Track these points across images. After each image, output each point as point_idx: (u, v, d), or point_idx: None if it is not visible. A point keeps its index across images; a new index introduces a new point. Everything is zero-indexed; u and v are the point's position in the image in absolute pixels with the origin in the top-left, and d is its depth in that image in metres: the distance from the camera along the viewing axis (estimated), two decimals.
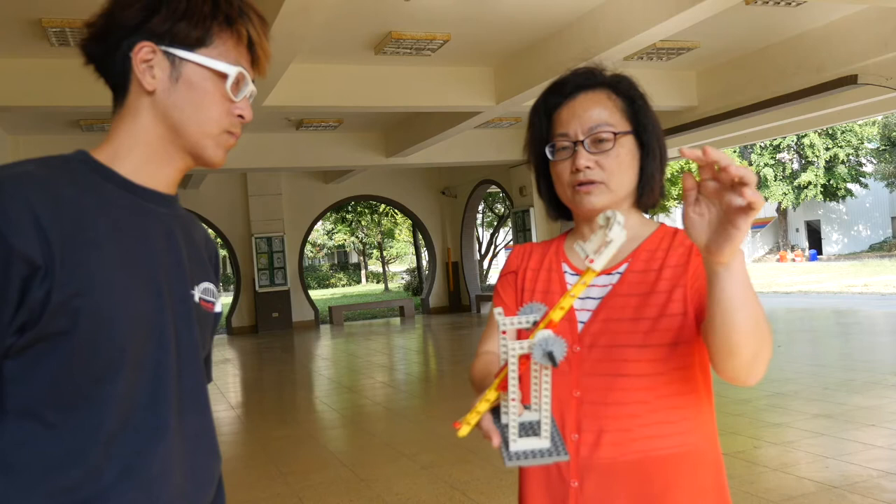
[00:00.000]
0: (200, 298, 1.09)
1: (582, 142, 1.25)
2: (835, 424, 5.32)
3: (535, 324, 0.92)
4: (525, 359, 0.92)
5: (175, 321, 1.02)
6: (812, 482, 4.13)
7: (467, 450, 5.03)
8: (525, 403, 0.97)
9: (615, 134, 1.24)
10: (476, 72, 8.11)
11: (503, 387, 0.94)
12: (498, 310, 0.93)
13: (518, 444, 0.94)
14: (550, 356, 0.88)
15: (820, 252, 34.23)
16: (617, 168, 1.24)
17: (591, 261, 0.89)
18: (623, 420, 1.19)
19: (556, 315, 0.92)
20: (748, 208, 0.91)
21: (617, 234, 0.89)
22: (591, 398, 1.21)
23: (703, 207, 0.97)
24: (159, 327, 0.99)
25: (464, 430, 0.94)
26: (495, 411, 0.99)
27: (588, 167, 1.24)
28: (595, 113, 1.25)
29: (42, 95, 6.88)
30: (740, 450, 4.79)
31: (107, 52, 1.03)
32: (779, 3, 6.43)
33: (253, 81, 1.09)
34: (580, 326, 1.25)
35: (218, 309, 1.14)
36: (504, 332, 0.94)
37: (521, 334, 1.00)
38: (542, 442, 0.94)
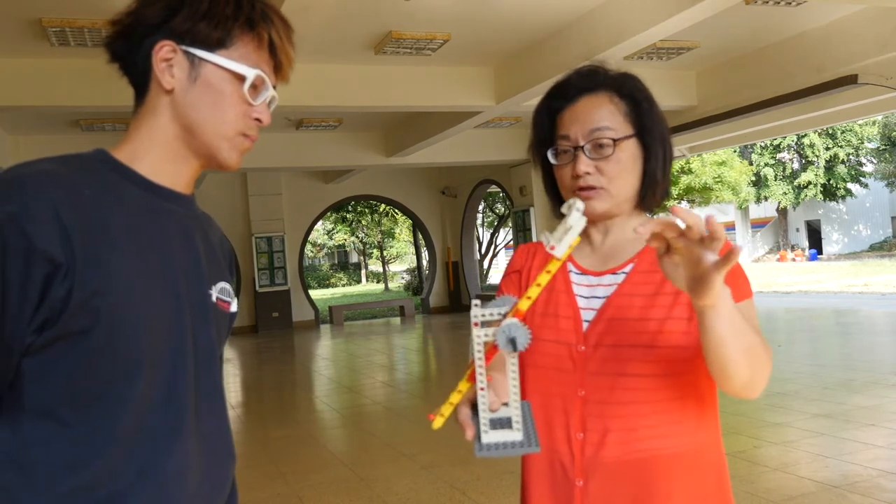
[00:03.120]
0: (217, 298, 1.09)
1: (582, 147, 1.24)
2: (835, 424, 5.32)
3: (505, 315, 0.93)
4: (493, 348, 0.93)
5: (192, 321, 1.02)
6: (812, 482, 4.13)
7: (468, 450, 5.02)
8: (505, 401, 0.98)
9: (615, 140, 1.23)
10: (476, 71, 8.11)
11: (472, 378, 0.94)
12: (474, 301, 0.93)
13: (489, 435, 0.94)
14: (513, 342, 0.89)
15: (820, 252, 34.22)
16: (618, 173, 1.23)
17: (553, 247, 0.90)
18: (628, 419, 1.19)
19: (524, 305, 0.93)
20: (720, 263, 0.90)
21: (576, 221, 0.91)
22: (595, 397, 1.21)
23: (676, 258, 0.96)
24: (177, 327, 0.99)
25: (437, 423, 0.94)
26: (474, 406, 0.99)
27: (588, 173, 1.23)
28: (596, 117, 1.24)
29: (42, 95, 6.87)
30: (741, 449, 4.79)
31: (129, 50, 1.03)
32: (779, 2, 6.42)
33: (275, 87, 1.08)
34: (585, 326, 1.25)
35: (233, 309, 1.15)
36: (476, 324, 0.94)
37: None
38: (514, 434, 0.95)
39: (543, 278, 0.93)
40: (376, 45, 7.06)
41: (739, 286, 1.18)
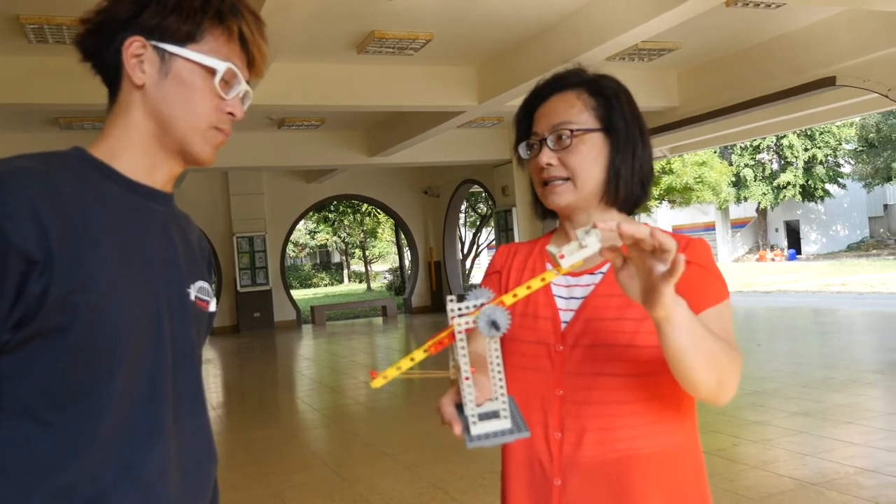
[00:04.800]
0: (196, 297, 1.09)
1: (545, 139, 1.28)
2: (813, 422, 5.38)
3: (482, 305, 0.94)
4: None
5: (171, 320, 1.02)
6: (790, 479, 4.17)
7: (450, 449, 5.04)
8: (488, 398, 0.98)
9: (573, 131, 1.26)
10: (459, 71, 8.11)
11: (433, 349, 0.94)
12: (450, 297, 0.94)
13: (478, 426, 0.95)
14: (494, 325, 0.91)
15: (799, 252, 34.56)
16: (578, 165, 1.26)
17: (562, 256, 0.92)
18: (605, 419, 1.20)
19: (507, 299, 0.93)
20: (668, 274, 0.93)
21: (592, 243, 0.91)
22: (573, 397, 1.22)
23: (632, 270, 0.98)
24: (156, 326, 0.99)
25: (378, 382, 0.93)
26: (457, 405, 1.00)
27: (550, 164, 1.27)
28: (562, 112, 1.28)
29: (20, 93, 6.78)
30: (720, 447, 4.83)
31: (100, 47, 1.03)
32: (759, 5, 6.48)
33: (248, 83, 1.09)
34: (563, 326, 1.26)
35: (212, 308, 1.14)
36: (454, 318, 0.95)
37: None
38: (502, 423, 0.95)
39: (535, 283, 0.93)
40: (359, 45, 7.04)
41: (711, 290, 1.19)
